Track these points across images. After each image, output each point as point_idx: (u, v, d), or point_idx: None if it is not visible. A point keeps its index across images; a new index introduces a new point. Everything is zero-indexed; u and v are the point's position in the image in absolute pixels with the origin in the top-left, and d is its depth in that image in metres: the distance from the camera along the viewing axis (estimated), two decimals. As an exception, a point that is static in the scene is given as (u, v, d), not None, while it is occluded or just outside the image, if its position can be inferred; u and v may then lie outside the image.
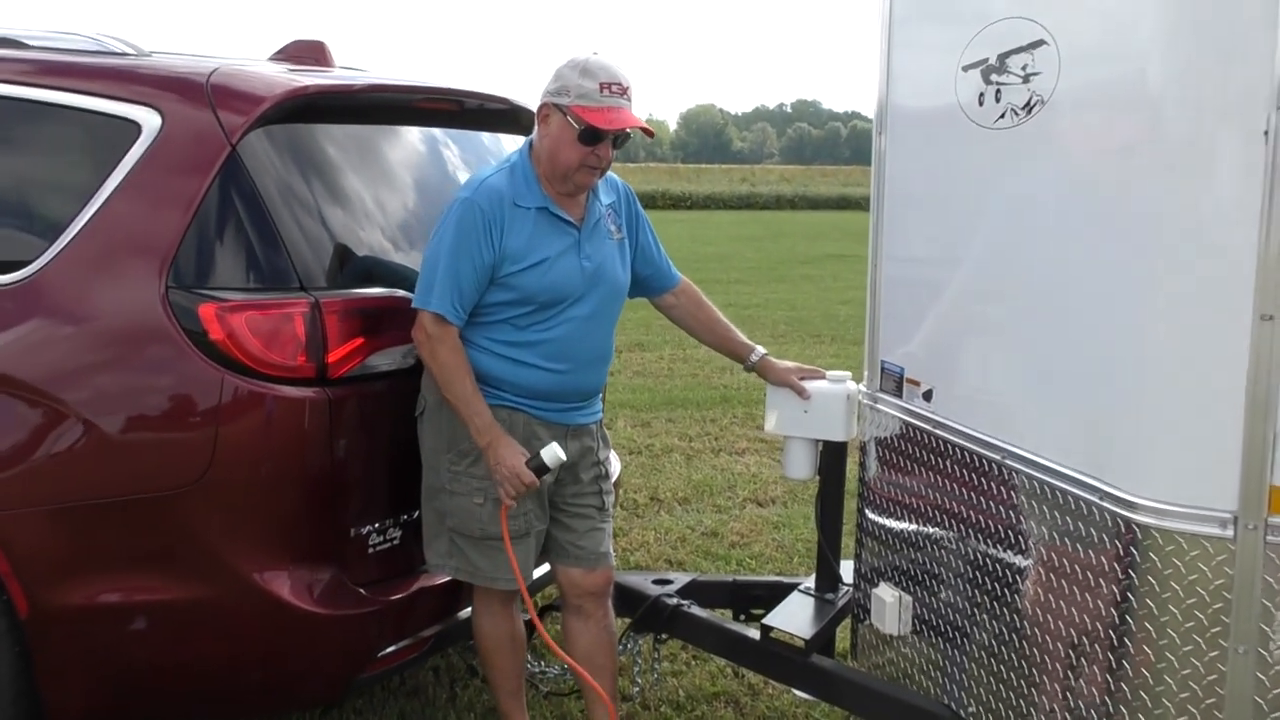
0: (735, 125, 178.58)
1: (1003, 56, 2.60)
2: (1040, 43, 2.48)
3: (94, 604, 2.72)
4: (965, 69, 2.72)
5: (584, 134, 2.79)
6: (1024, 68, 2.53)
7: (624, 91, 2.81)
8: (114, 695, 2.83)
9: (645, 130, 2.86)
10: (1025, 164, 2.57)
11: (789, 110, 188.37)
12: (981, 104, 2.67)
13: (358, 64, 3.77)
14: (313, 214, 2.94)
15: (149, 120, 2.82)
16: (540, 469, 2.81)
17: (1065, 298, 2.44)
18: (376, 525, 2.97)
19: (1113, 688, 2.32)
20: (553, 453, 2.81)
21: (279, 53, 3.55)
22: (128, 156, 2.81)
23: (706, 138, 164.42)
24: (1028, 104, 2.52)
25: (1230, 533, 2.16)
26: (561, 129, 2.82)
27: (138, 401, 2.73)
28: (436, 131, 3.52)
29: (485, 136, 3.70)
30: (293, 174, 2.94)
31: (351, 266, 3.00)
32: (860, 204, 38.05)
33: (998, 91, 2.62)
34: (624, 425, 7.19)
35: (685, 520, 5.41)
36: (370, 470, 2.96)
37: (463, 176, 3.44)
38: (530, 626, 3.43)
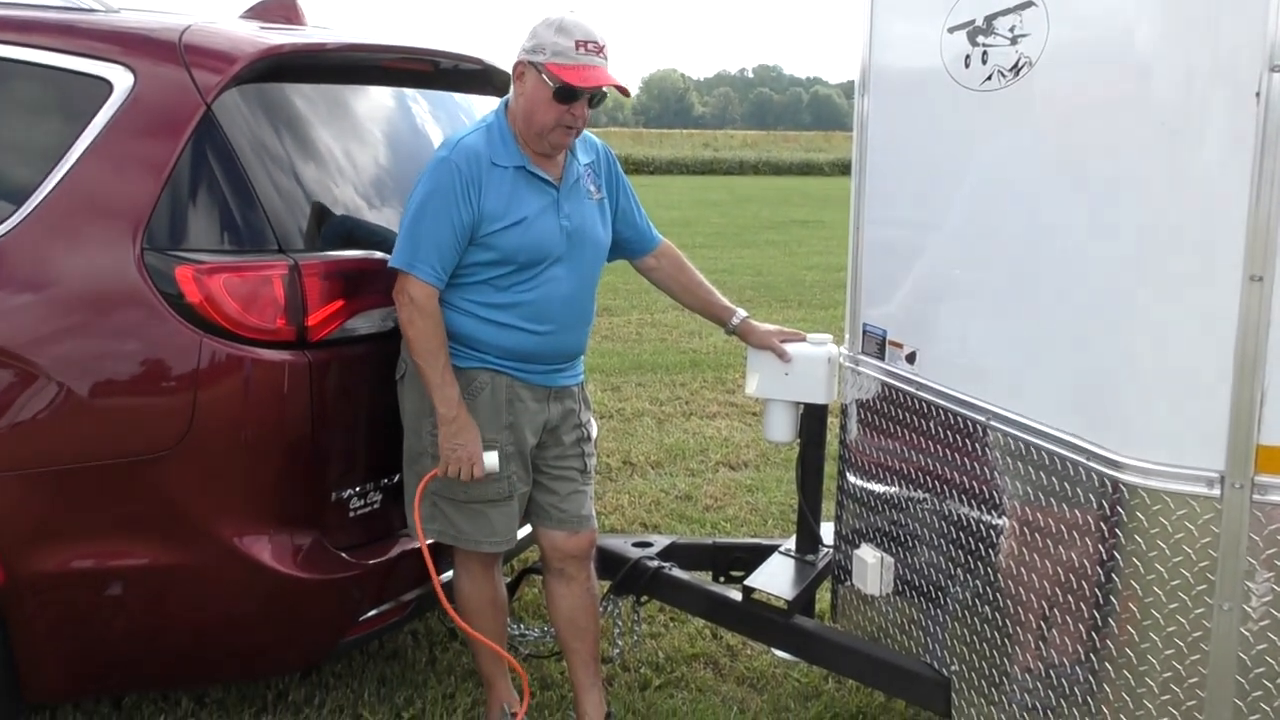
0: (697, 90, 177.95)
1: (990, 18, 2.59)
2: (1028, 4, 2.47)
3: (71, 570, 2.68)
4: (951, 30, 2.71)
5: (559, 92, 2.75)
6: (1011, 29, 2.52)
7: (600, 50, 2.78)
8: (92, 663, 2.80)
9: (620, 89, 2.83)
10: (1012, 126, 2.56)
11: (750, 75, 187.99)
12: (968, 66, 2.66)
13: (327, 22, 3.70)
14: (290, 175, 2.89)
15: (121, 79, 2.76)
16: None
17: (1053, 258, 2.44)
18: (357, 489, 2.94)
19: (1098, 644, 2.35)
20: (494, 460, 2.82)
21: (250, 11, 3.48)
22: (99, 115, 2.74)
23: (668, 102, 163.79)
24: (1015, 66, 2.52)
25: (1217, 492, 2.19)
26: (537, 87, 2.79)
27: (114, 365, 2.68)
28: (411, 91, 3.47)
29: (459, 97, 3.66)
30: (268, 134, 2.89)
31: (330, 228, 2.96)
32: (823, 169, 38.17)
33: (984, 53, 2.61)
34: (594, 389, 7.18)
35: (658, 484, 5.42)
36: (351, 434, 2.93)
37: (437, 136, 3.41)
38: (511, 589, 3.43)
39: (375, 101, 3.33)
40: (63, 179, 2.71)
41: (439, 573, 3.12)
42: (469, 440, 2.79)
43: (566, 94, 2.76)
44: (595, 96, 2.82)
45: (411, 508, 2.89)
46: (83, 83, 2.78)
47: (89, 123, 2.74)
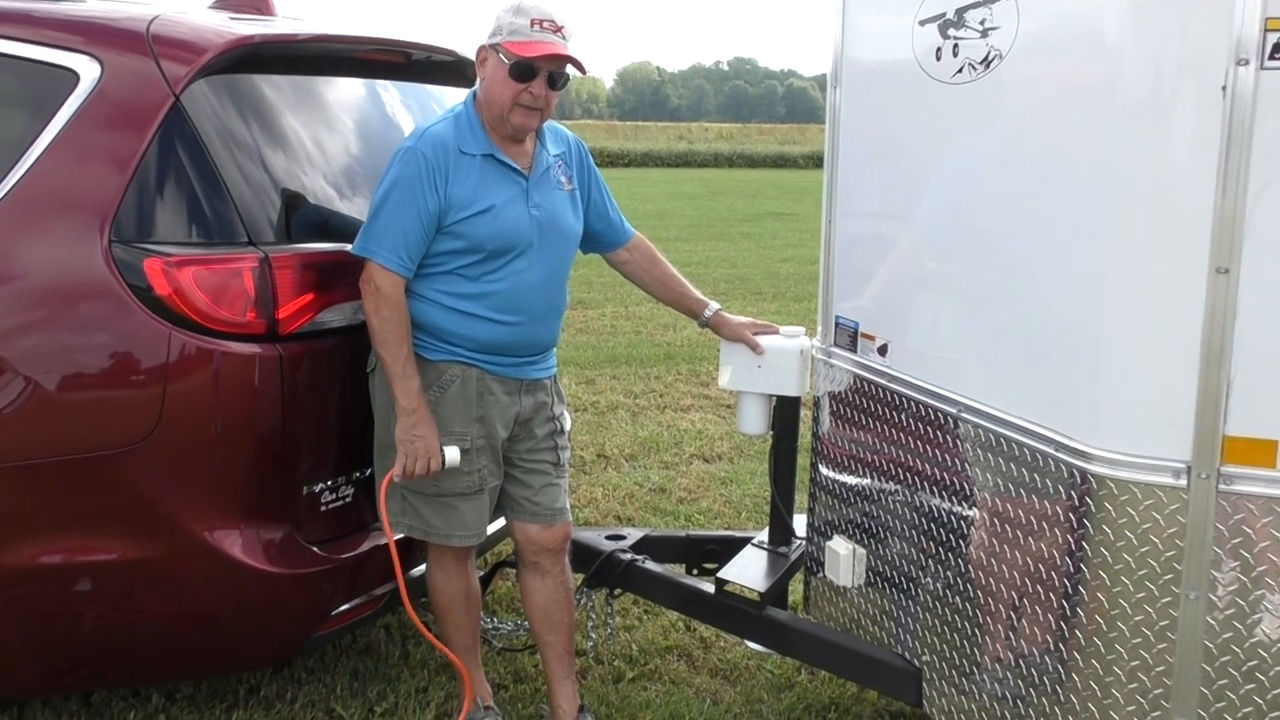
0: (672, 83, 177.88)
1: (960, 11, 2.60)
2: (998, -3, 2.48)
3: (39, 566, 2.66)
4: (922, 23, 2.71)
5: (514, 68, 2.75)
6: (982, 22, 2.53)
7: (557, 29, 2.78)
8: (60, 659, 2.78)
9: (576, 64, 2.82)
10: (983, 119, 2.58)
11: (725, 68, 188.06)
12: (939, 59, 2.67)
13: (298, 13, 3.68)
14: (260, 167, 2.87)
15: (87, 69, 2.74)
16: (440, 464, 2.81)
17: (1022, 251, 2.46)
18: (329, 483, 2.93)
19: (1067, 634, 2.37)
20: (456, 455, 2.80)
21: (219, 1, 3.45)
22: (65, 107, 2.72)
23: (643, 95, 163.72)
24: (986, 59, 2.53)
25: (1183, 482, 2.21)
26: (495, 68, 2.80)
27: (82, 358, 2.66)
28: (383, 83, 3.45)
29: (432, 88, 3.64)
30: (238, 126, 2.87)
31: (301, 220, 2.94)
32: (797, 162, 38.22)
33: (955, 46, 2.62)
34: (569, 383, 7.18)
35: (633, 477, 5.42)
36: (322, 427, 2.92)
37: (409, 128, 3.38)
38: (485, 583, 3.43)
39: (347, 93, 3.32)
40: (29, 170, 2.68)
41: (412, 567, 3.12)
42: (426, 433, 2.78)
43: (521, 70, 2.75)
44: (557, 78, 2.81)
45: (400, 504, 2.89)
46: (49, 73, 2.75)
47: (55, 113, 2.71)
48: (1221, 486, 2.19)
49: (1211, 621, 2.24)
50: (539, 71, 2.77)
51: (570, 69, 2.84)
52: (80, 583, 2.70)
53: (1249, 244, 2.10)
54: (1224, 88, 2.07)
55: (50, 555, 2.66)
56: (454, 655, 3.04)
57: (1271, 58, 2.03)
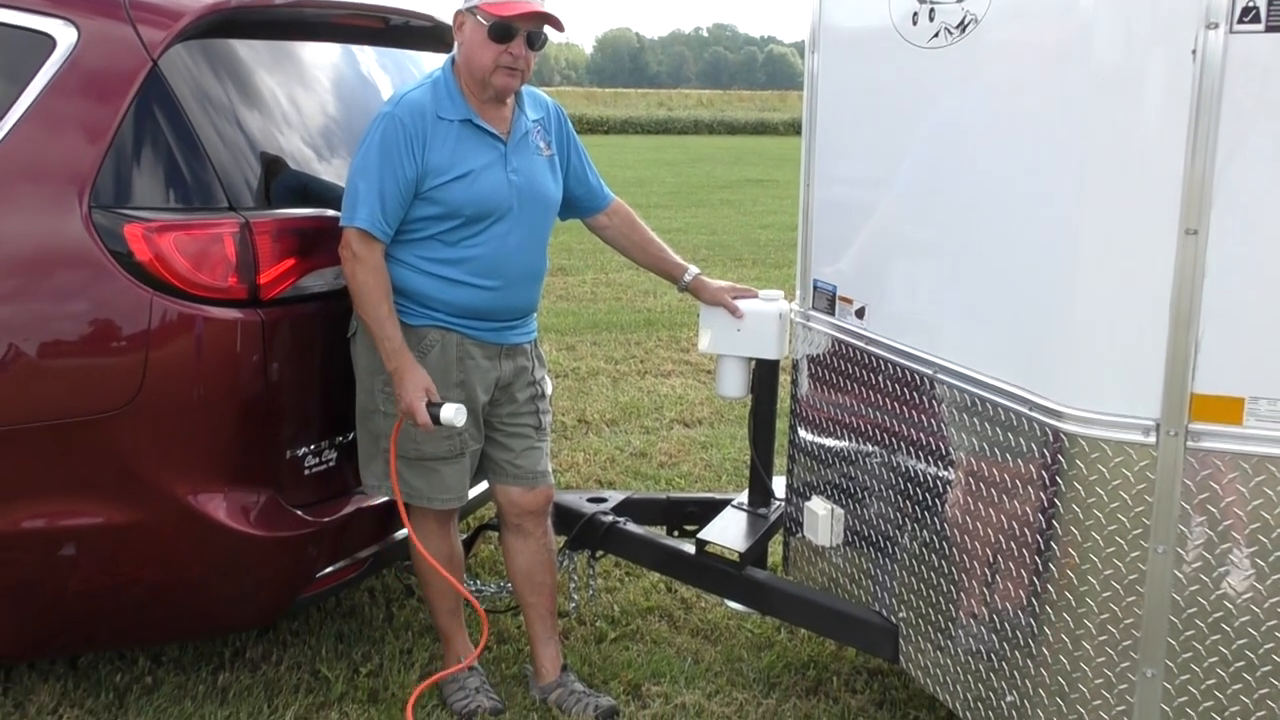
0: (651, 49, 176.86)
1: (937, -25, 2.61)
2: (974, -39, 2.50)
3: (22, 530, 2.68)
4: (899, -13, 2.73)
5: (493, 29, 2.75)
6: (958, -14, 2.55)
7: None
8: (46, 624, 2.81)
9: (554, 23, 2.82)
10: (958, 83, 2.60)
11: (705, 34, 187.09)
12: (915, 23, 2.68)
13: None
14: (239, 132, 2.87)
15: (64, 34, 2.73)
16: (435, 419, 2.76)
17: (996, 214, 2.49)
18: (312, 447, 2.95)
19: (1039, 589, 2.42)
20: (452, 412, 2.75)
21: (196, -35, 3.42)
22: (42, 72, 2.71)
23: (622, 61, 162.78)
24: (961, 23, 2.55)
25: (1153, 439, 2.25)
26: (474, 31, 2.79)
27: (63, 324, 2.66)
28: (363, 48, 3.45)
29: (410, 53, 3.64)
30: (217, 91, 2.87)
31: (281, 186, 2.94)
32: (777, 129, 38.13)
33: (931, 11, 2.64)
34: (549, 349, 7.20)
35: (614, 441, 5.46)
36: (305, 392, 2.94)
37: (387, 93, 3.38)
38: (468, 545, 3.46)
39: (325, 58, 3.31)
40: (5, 136, 2.68)
41: (395, 530, 3.15)
42: (404, 393, 2.77)
43: (501, 30, 2.76)
44: (535, 38, 2.81)
45: (385, 468, 2.90)
46: (25, 38, 2.74)
47: (32, 79, 2.70)
48: (1190, 443, 2.24)
49: (1179, 575, 2.29)
50: (518, 31, 2.77)
51: (549, 29, 2.84)
52: (65, 547, 2.72)
53: (1218, 206, 2.14)
54: (1194, 51, 2.10)
55: (34, 520, 2.68)
56: (464, 589, 3.04)
57: (1240, 21, 2.06)
